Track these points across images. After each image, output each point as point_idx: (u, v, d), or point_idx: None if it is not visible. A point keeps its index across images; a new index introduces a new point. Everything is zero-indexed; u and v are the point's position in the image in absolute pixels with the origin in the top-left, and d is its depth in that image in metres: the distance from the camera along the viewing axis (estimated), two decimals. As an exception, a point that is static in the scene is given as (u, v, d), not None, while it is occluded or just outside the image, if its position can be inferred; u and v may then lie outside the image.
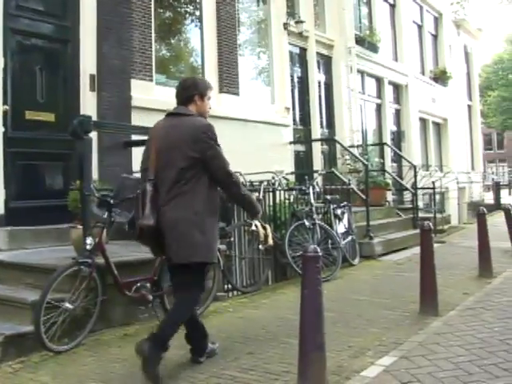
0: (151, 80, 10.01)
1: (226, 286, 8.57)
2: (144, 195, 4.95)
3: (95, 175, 8.17)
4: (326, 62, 15.68)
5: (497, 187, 22.25)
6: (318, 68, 15.28)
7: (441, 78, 22.30)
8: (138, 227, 4.94)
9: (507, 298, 7.72)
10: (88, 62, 8.85)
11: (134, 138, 8.82)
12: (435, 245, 12.65)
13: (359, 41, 16.56)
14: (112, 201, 6.12)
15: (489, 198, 23.94)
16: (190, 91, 5.28)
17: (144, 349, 4.67)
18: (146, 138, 5.53)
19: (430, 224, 7.31)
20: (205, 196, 4.97)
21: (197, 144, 4.95)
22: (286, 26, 13.54)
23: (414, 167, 15.43)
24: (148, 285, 6.29)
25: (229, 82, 11.60)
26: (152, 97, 9.73)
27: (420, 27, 21.63)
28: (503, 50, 61.44)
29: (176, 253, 4.94)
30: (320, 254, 4.54)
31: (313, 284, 4.49)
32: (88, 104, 8.77)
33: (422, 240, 7.19)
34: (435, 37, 22.98)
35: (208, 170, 4.99)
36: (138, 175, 5.50)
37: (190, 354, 5.36)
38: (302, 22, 14.01)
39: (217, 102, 11.17)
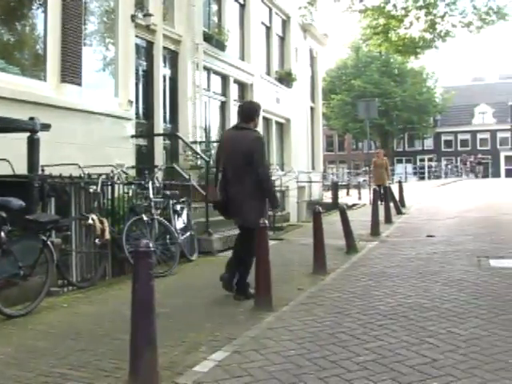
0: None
1: (60, 281, 8.34)
2: (216, 180, 7.80)
3: None
4: (172, 57, 15.58)
5: (335, 187, 23.04)
6: (164, 63, 15.17)
7: (286, 79, 22.80)
8: (213, 200, 8.05)
9: (338, 293, 8.02)
10: None
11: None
12: (274, 242, 13.04)
13: (207, 38, 16.61)
14: None
15: (328, 197, 24.76)
16: (251, 113, 7.89)
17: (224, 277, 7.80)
18: None
19: (266, 222, 7.43)
20: (254, 182, 7.52)
21: (250, 149, 7.50)
22: (133, 18, 13.30)
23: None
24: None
25: (72, 72, 11.23)
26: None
27: (268, 29, 22.02)
28: (347, 56, 63.87)
29: (236, 215, 7.88)
30: (152, 249, 4.52)
31: (144, 279, 4.46)
32: None
33: (258, 238, 7.30)
34: (282, 39, 23.47)
35: (254, 164, 7.46)
36: None
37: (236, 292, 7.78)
38: (150, 15, 13.84)
39: (58, 92, 10.85)
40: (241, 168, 7.51)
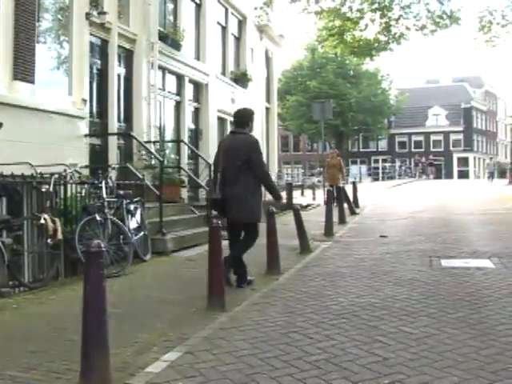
0: None
1: (11, 282, 8.23)
2: (215, 180, 8.58)
3: None
4: (127, 56, 15.44)
5: (289, 188, 23.10)
6: (119, 61, 15.03)
7: (241, 79, 22.81)
8: (211, 199, 8.84)
9: (291, 293, 8.09)
10: None
11: None
12: (227, 242, 13.05)
13: (163, 37, 16.53)
14: None
15: (283, 197, 24.84)
16: (246, 119, 8.73)
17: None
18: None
19: (219, 222, 7.45)
20: (251, 181, 8.40)
21: (247, 152, 8.37)
22: (88, 16, 13.14)
23: (209, 165, 15.63)
24: None
25: (24, 70, 11.04)
26: None
27: (224, 29, 21.96)
28: (303, 57, 64.15)
29: (232, 214, 8.40)
30: (104, 249, 4.51)
31: (95, 280, 4.44)
32: None
33: (211, 237, 7.31)
34: (238, 39, 23.45)
35: (252, 166, 8.35)
36: None
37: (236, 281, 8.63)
38: (104, 13, 13.69)
39: (10, 90, 10.68)
40: (239, 169, 8.33)
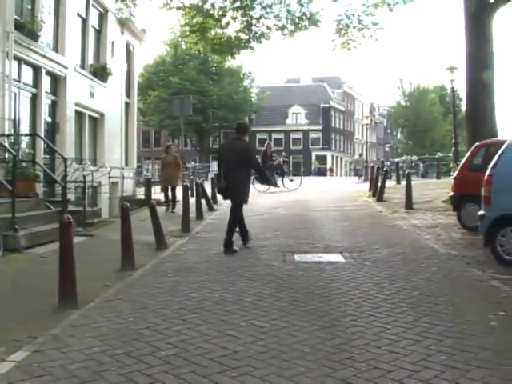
0: None
1: None
2: (219, 174, 11.87)
3: None
4: (-20, 45, 14.87)
5: (148, 183, 22.94)
6: (-29, 51, 14.45)
7: (101, 73, 22.40)
8: (218, 187, 12.15)
9: (145, 289, 8.15)
10: None
11: None
12: (84, 238, 12.90)
13: (19, 26, 15.95)
14: None
15: (142, 193, 24.61)
16: (245, 130, 11.99)
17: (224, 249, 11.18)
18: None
19: (70, 217, 7.39)
20: (245, 175, 11.67)
21: (245, 153, 11.44)
22: None
23: (65, 160, 15.36)
24: None
25: None
26: None
27: (84, 21, 21.45)
28: (166, 53, 63.87)
29: (232, 196, 11.65)
30: None
31: None
32: None
33: (62, 233, 7.25)
34: (99, 32, 22.99)
35: (248, 162, 11.50)
36: None
37: (242, 241, 11.87)
38: (-46, -1, 13.17)
39: None
40: (238, 164, 11.37)
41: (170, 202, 19.78)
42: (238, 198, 11.65)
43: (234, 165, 11.35)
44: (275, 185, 27.51)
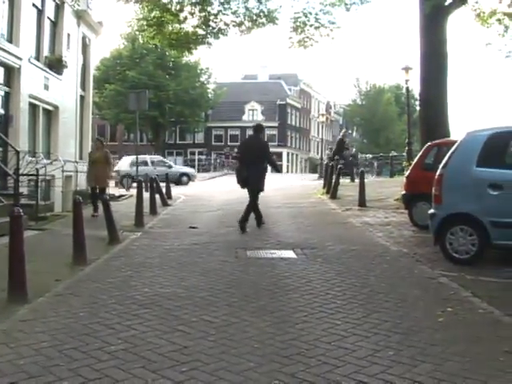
0: None
1: None
2: (242, 164, 14.07)
3: None
4: None
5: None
6: None
7: (56, 65, 22.06)
8: (241, 176, 13.98)
9: (97, 284, 8.13)
10: None
11: None
12: (36, 232, 12.76)
13: (-30, 16, 15.72)
14: None
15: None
16: (261, 130, 14.69)
17: (239, 224, 13.56)
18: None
19: (21, 210, 7.31)
20: (263, 166, 13.99)
21: (263, 149, 14.10)
22: None
23: (18, 153, 15.15)
24: None
25: None
26: None
27: (40, 12, 21.11)
28: (123, 47, 63.32)
29: (252, 185, 13.82)
30: None
31: None
32: None
33: (12, 227, 7.17)
34: (55, 24, 22.65)
35: (264, 157, 14.03)
36: None
37: (257, 224, 13.98)
38: None
39: None
40: (256, 158, 13.68)
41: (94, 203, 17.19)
42: (257, 186, 13.84)
43: (253, 159, 13.64)
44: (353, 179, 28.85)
